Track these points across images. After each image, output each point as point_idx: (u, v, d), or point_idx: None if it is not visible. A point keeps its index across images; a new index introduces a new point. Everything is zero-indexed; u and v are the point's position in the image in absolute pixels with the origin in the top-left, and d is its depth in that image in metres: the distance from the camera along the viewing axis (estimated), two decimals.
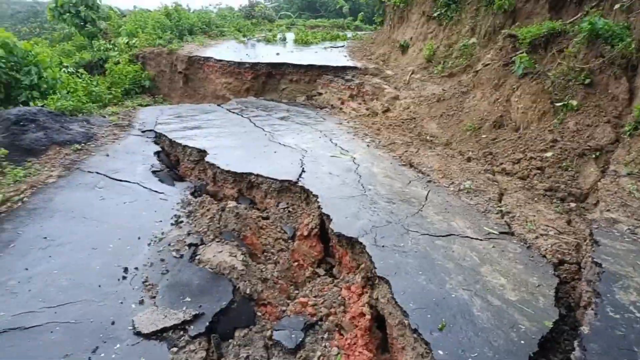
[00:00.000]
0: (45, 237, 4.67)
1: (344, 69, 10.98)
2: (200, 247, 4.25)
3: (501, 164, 5.84)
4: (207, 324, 3.50)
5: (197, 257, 4.11)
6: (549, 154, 5.48)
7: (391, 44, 12.04)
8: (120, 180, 6.20)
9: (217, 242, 4.23)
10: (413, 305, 3.14)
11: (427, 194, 5.14)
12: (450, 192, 5.23)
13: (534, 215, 4.57)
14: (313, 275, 4.49)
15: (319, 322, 3.68)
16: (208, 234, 4.47)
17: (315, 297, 3.96)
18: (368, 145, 7.16)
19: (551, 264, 3.72)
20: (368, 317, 3.43)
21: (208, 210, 4.81)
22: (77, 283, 4.01)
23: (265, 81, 11.76)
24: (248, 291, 3.71)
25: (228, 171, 6.02)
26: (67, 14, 15.48)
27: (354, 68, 10.89)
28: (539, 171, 5.38)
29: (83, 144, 7.43)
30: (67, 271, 4.16)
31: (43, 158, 6.83)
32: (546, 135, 5.74)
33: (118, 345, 3.33)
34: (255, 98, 11.41)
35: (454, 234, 4.19)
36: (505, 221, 4.51)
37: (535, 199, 4.95)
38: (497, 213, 4.69)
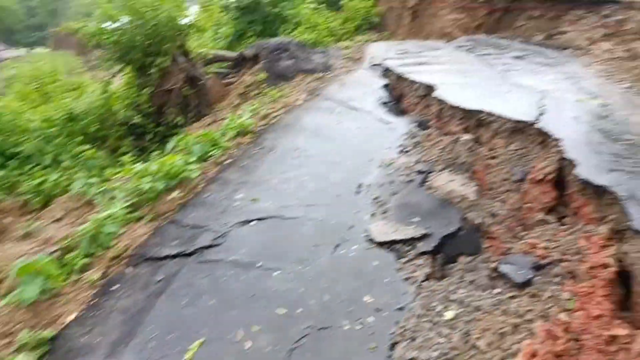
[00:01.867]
0: (297, 149, 5.52)
1: (601, 2, 9.27)
2: (431, 174, 4.43)
3: None
4: (435, 244, 3.72)
5: (427, 183, 4.32)
6: None
7: None
8: (354, 109, 6.77)
9: (449, 171, 4.34)
10: None
11: None
12: None
13: None
14: (543, 221, 4.25)
15: (550, 265, 3.53)
16: (438, 163, 4.61)
17: (546, 240, 3.79)
18: (626, 91, 6.10)
19: None
20: (613, 269, 3.15)
21: (440, 141, 4.91)
22: (321, 189, 4.70)
23: (500, 18, 10.84)
24: (477, 221, 3.77)
25: (457, 107, 5.94)
26: None
27: (615, 2, 9.10)
28: None
29: (323, 74, 8.28)
30: (313, 178, 4.88)
31: (292, 83, 7.90)
32: None
33: (355, 246, 3.84)
34: (486, 36, 10.68)
35: None
36: None
37: None
38: None
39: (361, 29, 13.29)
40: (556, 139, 4.65)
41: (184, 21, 7.81)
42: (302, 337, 3.02)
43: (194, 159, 4.91)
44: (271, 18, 10.59)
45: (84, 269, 3.72)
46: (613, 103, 5.63)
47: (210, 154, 5.34)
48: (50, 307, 3.29)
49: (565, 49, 9.29)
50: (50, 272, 3.28)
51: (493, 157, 5.17)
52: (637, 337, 2.67)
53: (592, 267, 3.26)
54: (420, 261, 3.64)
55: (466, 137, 4.62)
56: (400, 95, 7.85)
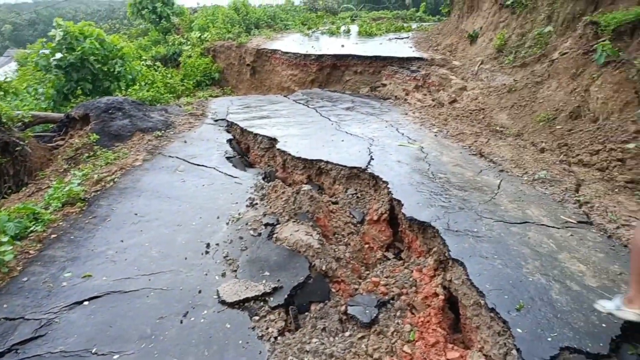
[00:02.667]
0: (136, 214, 5.12)
1: (410, 60, 10.91)
2: (277, 226, 4.49)
3: (577, 155, 5.63)
4: (286, 296, 3.72)
5: (274, 236, 4.35)
6: (631, 145, 5.22)
7: (459, 34, 11.80)
8: (198, 165, 6.62)
9: (293, 222, 4.45)
10: (489, 287, 3.19)
11: (500, 183, 5.09)
12: (524, 182, 5.15)
13: (615, 207, 4.41)
14: (383, 258, 4.61)
15: (391, 301, 3.79)
16: (284, 215, 4.70)
17: (386, 277, 4.09)
18: (436, 135, 7.14)
19: None
20: (441, 297, 3.52)
21: (283, 192, 5.04)
22: (165, 254, 4.39)
23: (330, 73, 11.95)
24: (324, 268, 3.89)
25: (298, 158, 6.26)
26: (145, 10, 16.53)
27: (420, 59, 10.80)
28: (619, 163, 5.14)
29: (163, 131, 7.98)
30: (156, 244, 4.55)
31: (129, 143, 7.43)
32: (629, 126, 5.45)
33: (205, 312, 3.63)
34: (320, 89, 11.63)
35: (529, 222, 4.15)
36: (583, 211, 4.39)
37: (616, 190, 4.76)
38: (574, 203, 4.57)
39: (202, 84, 13.35)
40: (385, 182, 5.17)
41: None
42: None
43: (6, 239, 4.18)
44: (102, 76, 9.96)
45: None
46: (427, 146, 6.53)
47: (30, 230, 4.62)
48: None
49: (387, 99, 10.59)
50: None
51: (335, 203, 5.50)
52: (467, 357, 2.99)
53: (425, 297, 3.60)
54: (272, 316, 3.60)
55: (306, 187, 4.84)
56: (247, 148, 7.97)
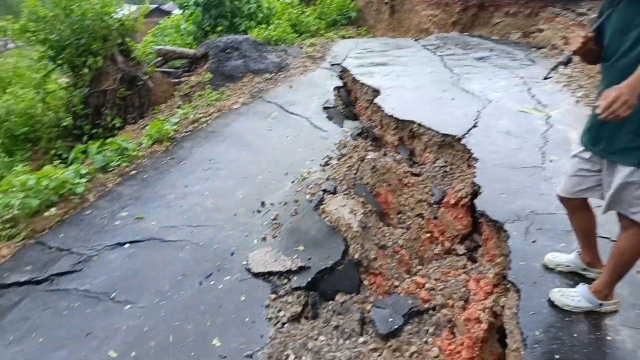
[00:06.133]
0: (210, 160, 5.13)
1: None
2: (329, 196, 4.01)
3: None
4: (310, 279, 3.33)
5: (321, 207, 3.91)
6: None
7: None
8: (292, 113, 6.35)
9: (345, 194, 3.92)
10: (538, 334, 2.30)
11: None
12: None
13: None
14: (447, 252, 3.82)
15: (430, 311, 3.12)
16: (342, 184, 4.20)
17: (436, 279, 3.36)
18: (577, 102, 5.59)
19: None
20: (484, 325, 2.71)
21: (350, 158, 4.49)
22: (219, 207, 4.31)
23: (475, 14, 10.31)
24: (357, 256, 3.35)
25: (391, 116, 5.51)
26: None
27: None
28: None
29: (274, 74, 7.85)
30: (215, 194, 4.50)
31: (238, 84, 7.49)
32: None
33: (228, 277, 3.46)
34: (459, 33, 10.15)
35: None
36: None
37: None
38: None
39: (338, 24, 12.78)
40: (475, 158, 4.21)
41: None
42: None
43: (86, 171, 4.55)
44: (237, 13, 10.14)
45: None
46: (557, 115, 5.15)
47: (116, 163, 4.97)
48: None
49: (540, 48, 8.75)
50: None
51: (416, 174, 4.74)
52: None
53: (468, 320, 2.83)
54: (290, 298, 3.26)
55: (371, 155, 4.19)
56: (355, 98, 7.43)
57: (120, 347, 2.89)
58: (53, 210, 4.10)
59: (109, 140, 5.23)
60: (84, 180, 4.41)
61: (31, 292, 3.34)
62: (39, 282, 3.41)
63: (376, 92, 6.51)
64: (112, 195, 4.49)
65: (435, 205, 4.29)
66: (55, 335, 3.00)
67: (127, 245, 3.79)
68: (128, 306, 3.21)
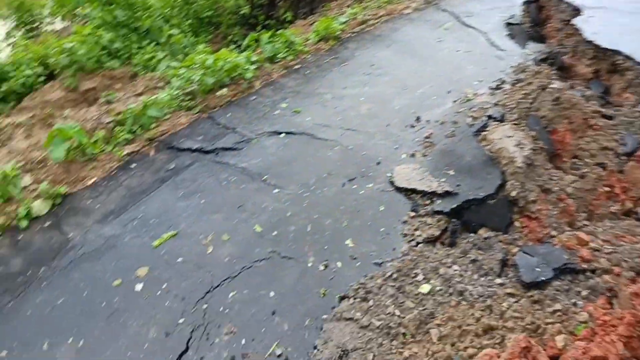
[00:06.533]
0: (372, 65, 4.95)
1: None
2: (494, 123, 3.59)
3: None
4: (454, 206, 3.12)
5: (483, 133, 3.53)
6: None
7: None
8: (468, 26, 5.71)
9: (514, 124, 3.46)
10: None
11: None
12: None
13: None
14: (626, 214, 3.22)
15: (588, 273, 2.71)
16: (513, 112, 3.71)
17: (604, 240, 2.87)
18: None
19: None
20: None
21: (528, 84, 3.89)
22: (372, 115, 4.20)
23: None
24: (514, 194, 3.00)
25: (590, 42, 4.56)
26: None
27: None
28: None
29: None
30: (371, 101, 4.38)
31: None
32: None
33: (370, 185, 3.43)
34: None
35: None
36: None
37: None
38: None
39: None
40: None
41: None
42: (261, 260, 2.92)
43: (255, 58, 4.74)
44: None
45: (124, 143, 4.04)
46: None
47: (283, 56, 5.09)
48: (81, 169, 3.70)
49: None
50: (80, 140, 3.63)
51: (608, 117, 3.96)
52: None
53: (635, 294, 2.40)
54: (430, 220, 3.12)
55: (556, 84, 3.54)
56: (547, 17, 6.34)
57: (265, 224, 3.13)
58: (225, 90, 4.43)
59: (279, 32, 5.33)
60: (253, 67, 4.64)
61: (200, 159, 3.74)
62: (207, 152, 3.80)
63: (576, 11, 5.42)
64: (275, 86, 4.66)
65: (624, 157, 3.57)
66: (214, 200, 3.36)
67: (282, 135, 3.97)
68: (276, 190, 3.41)
